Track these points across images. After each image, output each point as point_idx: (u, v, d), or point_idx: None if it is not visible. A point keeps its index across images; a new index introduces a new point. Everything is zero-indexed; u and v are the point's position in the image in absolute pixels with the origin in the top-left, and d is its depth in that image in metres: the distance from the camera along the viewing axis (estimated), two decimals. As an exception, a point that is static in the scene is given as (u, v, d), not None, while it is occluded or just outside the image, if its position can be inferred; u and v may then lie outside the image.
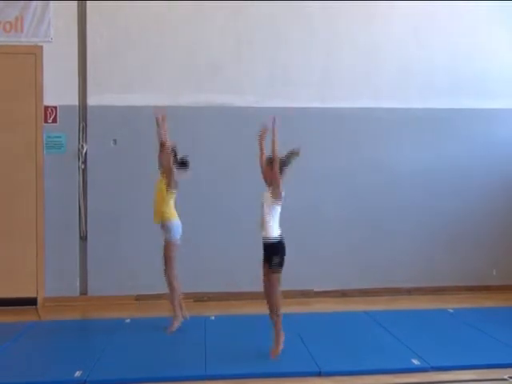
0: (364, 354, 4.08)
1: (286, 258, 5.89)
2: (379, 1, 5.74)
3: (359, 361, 3.94)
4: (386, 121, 5.79)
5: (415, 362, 3.88)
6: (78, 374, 3.66)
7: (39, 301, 5.43)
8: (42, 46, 5.43)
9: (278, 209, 4.14)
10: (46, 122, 5.46)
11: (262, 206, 4.17)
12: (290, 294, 5.63)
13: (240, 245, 5.63)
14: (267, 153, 4.23)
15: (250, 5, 5.62)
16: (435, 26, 5.88)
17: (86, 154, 5.51)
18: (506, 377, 3.68)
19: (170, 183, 4.54)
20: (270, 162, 4.15)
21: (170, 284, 4.63)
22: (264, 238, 4.11)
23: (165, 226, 4.59)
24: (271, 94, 5.68)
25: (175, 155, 4.61)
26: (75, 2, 5.48)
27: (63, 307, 5.33)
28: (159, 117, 4.54)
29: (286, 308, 5.26)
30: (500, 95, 5.95)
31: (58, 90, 5.44)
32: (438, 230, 5.86)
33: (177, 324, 4.60)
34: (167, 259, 4.59)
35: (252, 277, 5.65)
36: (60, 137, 5.48)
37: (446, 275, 5.86)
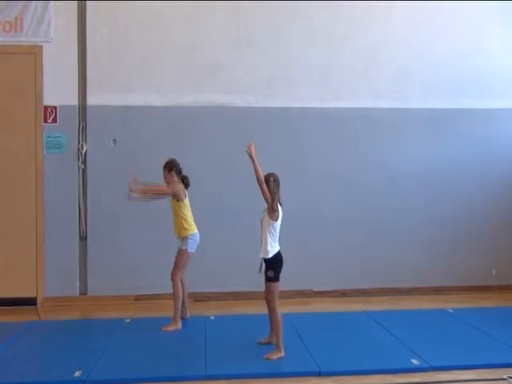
0: (364, 353, 4.08)
1: (286, 257, 5.90)
2: (379, 0, 5.73)
3: (359, 361, 3.94)
4: (387, 121, 5.78)
5: (415, 361, 3.88)
6: (77, 373, 3.66)
7: (39, 301, 5.42)
8: (41, 46, 5.43)
9: (276, 226, 4.17)
10: (45, 121, 5.46)
11: (261, 224, 4.20)
12: (290, 294, 5.64)
13: (240, 245, 5.62)
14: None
15: (250, 5, 5.62)
16: (435, 25, 5.88)
17: (85, 153, 5.51)
18: (505, 376, 3.67)
19: (177, 197, 4.73)
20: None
21: (174, 289, 4.73)
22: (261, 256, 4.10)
23: (182, 240, 4.77)
24: (271, 94, 5.68)
25: (180, 174, 4.80)
26: (75, 2, 5.47)
27: (63, 307, 5.32)
28: (133, 186, 4.66)
29: (286, 308, 5.27)
30: (500, 95, 5.94)
31: (58, 90, 5.44)
32: (438, 230, 5.86)
33: (174, 328, 4.62)
34: (176, 265, 4.74)
35: (252, 277, 5.65)
36: (60, 137, 5.48)
37: (446, 275, 5.86)
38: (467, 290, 5.80)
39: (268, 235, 4.12)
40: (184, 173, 5.58)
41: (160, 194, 4.80)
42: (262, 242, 4.14)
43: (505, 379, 3.64)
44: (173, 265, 4.76)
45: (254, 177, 4.12)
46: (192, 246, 4.76)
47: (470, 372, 3.75)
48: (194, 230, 4.77)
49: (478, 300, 5.53)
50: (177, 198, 4.73)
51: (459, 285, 5.83)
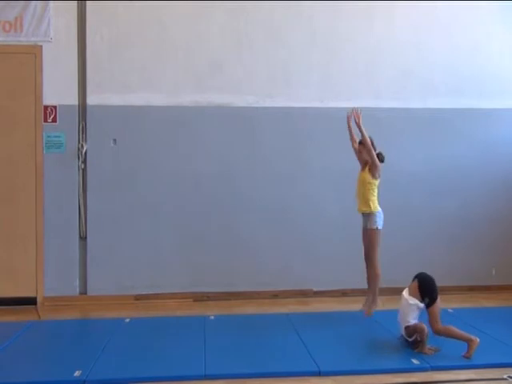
0: (363, 353, 4.09)
1: (286, 257, 5.93)
2: (379, 0, 5.73)
3: (359, 360, 3.94)
4: (386, 121, 5.77)
5: (415, 361, 3.88)
6: (77, 373, 3.66)
7: (39, 300, 5.42)
8: (41, 46, 5.42)
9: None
10: (45, 121, 5.45)
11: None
12: (290, 294, 5.65)
13: (239, 244, 5.63)
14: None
15: (250, 4, 5.62)
16: (435, 26, 5.88)
17: (85, 153, 5.50)
18: (505, 376, 3.67)
19: (374, 174, 4.79)
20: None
21: (375, 269, 4.79)
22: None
23: (369, 216, 4.79)
24: (271, 94, 5.68)
25: (374, 148, 4.83)
26: (75, 2, 5.47)
27: (63, 307, 5.32)
28: (357, 119, 4.79)
29: (286, 308, 5.29)
30: (500, 95, 5.94)
31: (58, 90, 5.44)
32: (438, 230, 5.86)
33: (374, 307, 4.80)
34: (372, 246, 4.78)
35: (252, 276, 5.67)
36: (59, 136, 5.48)
37: (446, 275, 5.81)
38: (467, 290, 5.79)
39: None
40: (185, 172, 5.60)
41: (362, 139, 4.81)
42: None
43: (505, 379, 3.64)
44: (368, 249, 4.81)
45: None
46: (379, 221, 4.77)
47: (470, 372, 3.75)
48: (378, 207, 4.80)
49: (477, 300, 5.54)
50: (373, 172, 4.76)
51: (459, 285, 5.82)
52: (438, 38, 5.87)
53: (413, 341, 4.07)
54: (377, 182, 4.82)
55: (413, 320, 4.06)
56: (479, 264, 5.89)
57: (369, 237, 4.82)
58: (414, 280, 4.23)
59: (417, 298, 4.08)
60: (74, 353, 4.07)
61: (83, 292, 5.52)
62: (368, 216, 4.82)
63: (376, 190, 4.83)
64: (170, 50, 5.59)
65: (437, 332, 4.04)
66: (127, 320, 4.85)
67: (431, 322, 4.04)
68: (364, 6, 5.74)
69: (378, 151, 4.87)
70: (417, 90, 5.85)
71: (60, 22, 5.44)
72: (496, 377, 3.68)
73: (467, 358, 3.90)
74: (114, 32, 5.52)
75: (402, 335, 4.16)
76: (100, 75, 5.51)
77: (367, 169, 4.84)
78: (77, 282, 5.50)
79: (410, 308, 4.07)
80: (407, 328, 4.06)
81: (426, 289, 4.10)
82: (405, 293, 4.17)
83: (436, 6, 5.83)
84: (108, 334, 4.44)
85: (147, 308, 5.32)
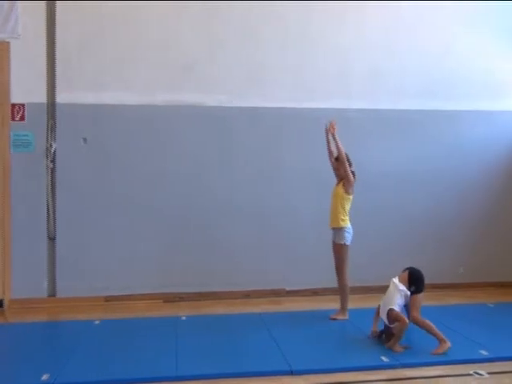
0: (334, 352, 4.12)
1: (258, 256, 5.92)
2: (351, 1, 5.79)
3: (330, 359, 3.97)
4: (358, 121, 5.83)
5: (384, 358, 3.94)
6: (45, 377, 3.59)
7: (6, 303, 5.29)
8: (8, 43, 5.30)
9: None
10: (13, 119, 5.33)
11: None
12: (262, 293, 5.66)
13: (212, 245, 5.61)
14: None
15: (224, 4, 5.61)
16: (405, 28, 5.96)
17: (54, 152, 5.40)
18: (471, 372, 3.76)
19: (347, 189, 4.79)
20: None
21: (343, 281, 4.86)
22: None
23: (338, 231, 4.82)
24: (244, 94, 5.68)
25: (350, 163, 4.84)
26: (44, 2, 5.35)
27: (31, 309, 5.21)
28: (332, 131, 4.81)
29: (258, 307, 5.29)
30: (467, 97, 6.07)
31: (26, 88, 5.32)
32: (407, 230, 5.95)
33: (342, 317, 4.84)
34: (340, 260, 4.84)
35: (225, 276, 5.66)
36: (28, 135, 5.36)
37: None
38: (435, 288, 5.90)
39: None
40: (157, 172, 5.56)
41: (338, 153, 4.81)
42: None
43: (471, 375, 3.73)
44: (337, 262, 4.86)
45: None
46: (348, 238, 4.80)
47: (438, 368, 3.83)
48: (348, 223, 4.81)
49: (445, 297, 5.65)
50: (346, 188, 4.78)
51: (427, 283, 5.88)
52: (408, 40, 5.95)
53: (389, 331, 4.17)
54: (350, 198, 4.83)
55: (397, 306, 4.18)
56: (447, 262, 6.01)
57: (337, 252, 4.87)
58: (404, 271, 4.39)
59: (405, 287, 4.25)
60: (42, 356, 4.00)
61: (52, 294, 5.42)
62: (337, 231, 4.84)
63: (348, 206, 4.84)
64: (142, 49, 5.53)
65: (415, 320, 4.14)
66: (97, 322, 4.79)
67: (412, 309, 4.17)
68: (336, 7, 5.78)
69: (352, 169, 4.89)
70: (386, 91, 5.93)
71: (29, 18, 5.32)
72: (463, 373, 3.76)
73: (434, 354, 3.99)
74: (85, 30, 5.43)
75: (383, 322, 4.23)
76: (70, 73, 5.41)
77: (341, 184, 4.86)
78: (45, 284, 5.40)
79: (398, 292, 4.22)
80: (390, 311, 4.15)
81: (416, 280, 4.28)
82: (395, 279, 4.33)
83: (406, 8, 5.90)
84: (77, 337, 4.37)
85: (117, 310, 5.26)
